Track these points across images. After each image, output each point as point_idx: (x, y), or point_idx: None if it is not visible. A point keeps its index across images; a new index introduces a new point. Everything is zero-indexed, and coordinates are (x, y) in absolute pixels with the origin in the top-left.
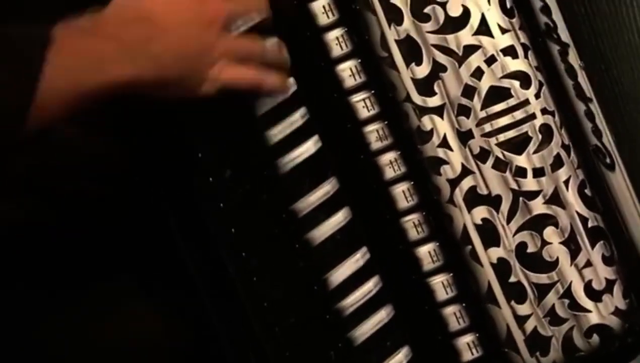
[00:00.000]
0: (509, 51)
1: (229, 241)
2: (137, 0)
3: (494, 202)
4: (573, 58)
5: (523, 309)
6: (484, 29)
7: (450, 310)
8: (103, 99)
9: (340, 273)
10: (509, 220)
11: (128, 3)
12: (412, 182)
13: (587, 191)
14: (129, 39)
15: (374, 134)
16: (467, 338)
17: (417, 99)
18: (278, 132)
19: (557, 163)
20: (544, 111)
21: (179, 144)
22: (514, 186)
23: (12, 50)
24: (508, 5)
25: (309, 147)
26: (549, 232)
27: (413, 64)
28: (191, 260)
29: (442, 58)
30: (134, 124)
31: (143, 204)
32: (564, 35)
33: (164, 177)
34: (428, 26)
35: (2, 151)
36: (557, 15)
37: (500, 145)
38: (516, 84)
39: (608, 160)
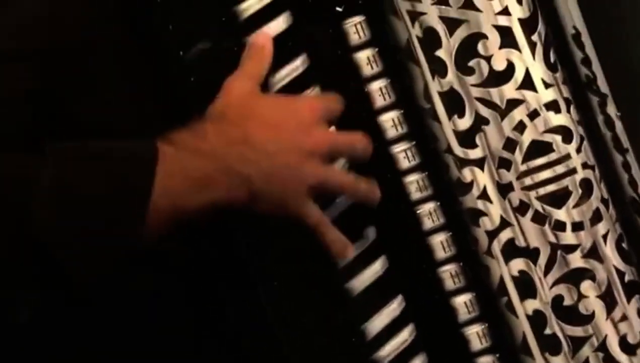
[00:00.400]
0: (552, 106)
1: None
2: (242, 121)
3: (531, 254)
4: (611, 108)
5: (557, 361)
6: (528, 83)
7: (484, 361)
8: (198, 216)
9: (378, 322)
10: (546, 273)
11: (233, 123)
12: (450, 233)
13: (624, 245)
14: (228, 159)
15: (414, 184)
16: None
17: (458, 150)
18: None
19: (596, 217)
20: (585, 165)
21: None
22: (553, 239)
23: (121, 172)
24: (552, 60)
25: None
26: (586, 286)
27: (455, 116)
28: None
29: (484, 111)
30: None
31: None
32: (603, 86)
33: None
34: (472, 79)
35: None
36: (596, 66)
37: (540, 198)
38: (558, 138)
39: None
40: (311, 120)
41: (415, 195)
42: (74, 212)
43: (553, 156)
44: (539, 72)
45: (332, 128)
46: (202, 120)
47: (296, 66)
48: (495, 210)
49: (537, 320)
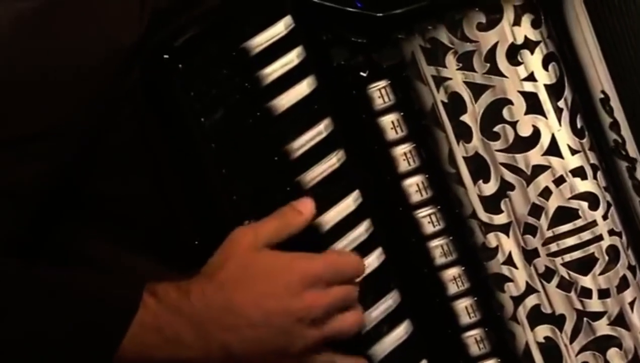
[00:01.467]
0: (578, 172)
1: None
2: (227, 287)
3: (557, 321)
4: None
5: None
6: (554, 149)
7: None
8: None
9: None
10: (572, 340)
11: (218, 288)
12: (475, 298)
13: None
14: (209, 325)
15: (439, 249)
16: None
17: (483, 215)
18: (343, 247)
19: (623, 284)
20: (611, 232)
21: None
22: (579, 306)
23: (95, 315)
24: (579, 126)
25: (372, 261)
26: (612, 353)
27: (480, 181)
28: None
29: (510, 176)
30: None
31: None
32: (632, 149)
33: None
34: (497, 145)
35: None
36: (625, 130)
37: (565, 265)
38: (584, 205)
39: None
40: (303, 283)
41: (440, 260)
42: (35, 344)
43: (579, 222)
44: (565, 138)
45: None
46: (193, 278)
47: (320, 131)
48: (520, 276)
49: None
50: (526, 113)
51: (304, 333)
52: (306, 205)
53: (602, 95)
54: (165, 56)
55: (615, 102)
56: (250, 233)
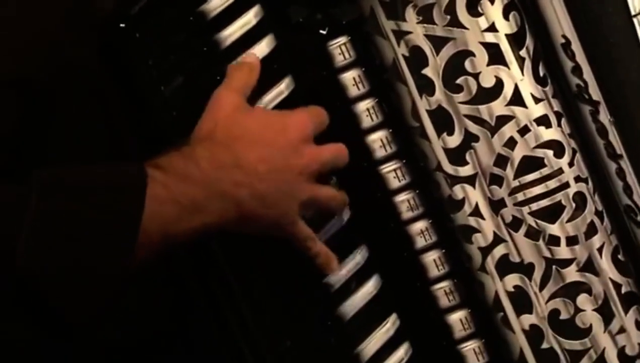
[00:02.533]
0: (543, 121)
1: (262, 324)
2: (231, 142)
3: (526, 269)
4: (603, 115)
5: None
6: (517, 99)
7: None
8: (189, 239)
9: (372, 344)
10: (541, 288)
11: (222, 146)
12: (443, 251)
13: (621, 256)
14: (220, 185)
15: (405, 203)
16: None
17: (449, 168)
18: None
19: (591, 230)
20: (578, 179)
21: None
22: (547, 254)
23: (109, 200)
24: (541, 74)
25: (339, 219)
26: (582, 299)
27: (445, 133)
28: None
29: (474, 128)
30: None
31: None
32: (595, 93)
33: None
34: (460, 97)
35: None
36: (587, 74)
37: (533, 214)
38: (550, 153)
39: (639, 218)
40: (300, 139)
41: (407, 214)
42: (60, 243)
43: (545, 171)
44: (528, 87)
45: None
46: (191, 142)
47: (281, 90)
48: (488, 226)
49: (534, 334)
50: (488, 64)
51: (303, 186)
52: (251, 56)
53: (563, 40)
54: (122, 25)
55: (576, 46)
56: (231, 93)
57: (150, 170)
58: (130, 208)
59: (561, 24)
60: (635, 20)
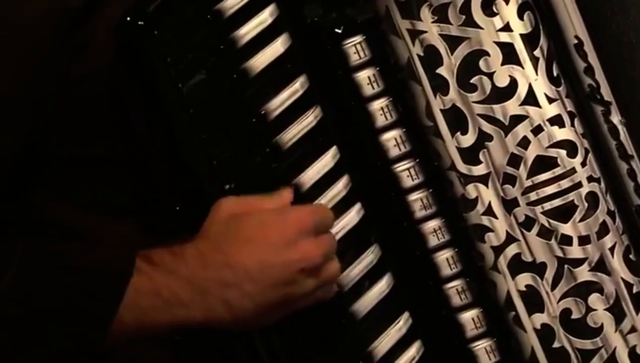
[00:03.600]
0: (556, 120)
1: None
2: (223, 244)
3: (538, 269)
4: (614, 116)
5: None
6: (531, 99)
7: None
8: (170, 331)
9: (385, 342)
10: (553, 287)
11: (213, 246)
12: (455, 250)
13: (632, 256)
14: (206, 283)
15: (418, 202)
16: None
17: (462, 167)
18: (324, 204)
19: (603, 230)
20: (590, 179)
21: None
22: (559, 254)
23: (90, 285)
24: (555, 74)
25: (352, 218)
26: (594, 299)
27: (458, 133)
28: None
29: (487, 127)
30: None
31: None
32: (606, 93)
33: None
34: (474, 96)
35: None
36: (599, 74)
37: (545, 213)
38: (563, 153)
39: None
40: (298, 234)
41: (420, 213)
42: (31, 318)
43: (558, 171)
44: (542, 87)
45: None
46: (186, 242)
47: (296, 89)
48: (500, 225)
49: (545, 334)
50: (503, 63)
51: (303, 283)
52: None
53: (575, 41)
54: (140, 23)
55: (588, 46)
56: (232, 198)
57: (139, 261)
58: (109, 296)
59: (574, 25)
60: None
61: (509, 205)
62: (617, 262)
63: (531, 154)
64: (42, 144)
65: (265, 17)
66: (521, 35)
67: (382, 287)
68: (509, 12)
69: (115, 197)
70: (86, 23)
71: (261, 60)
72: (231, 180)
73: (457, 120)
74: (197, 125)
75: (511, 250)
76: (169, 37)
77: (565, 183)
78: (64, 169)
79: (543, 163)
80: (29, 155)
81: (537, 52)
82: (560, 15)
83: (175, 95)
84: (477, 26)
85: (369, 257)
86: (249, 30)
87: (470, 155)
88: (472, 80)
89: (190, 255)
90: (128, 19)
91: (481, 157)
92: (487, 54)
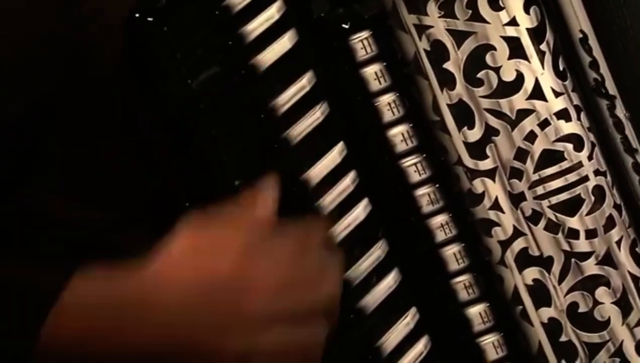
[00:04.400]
0: (563, 114)
1: None
2: (168, 287)
3: (545, 263)
4: (619, 110)
5: None
6: (537, 93)
7: None
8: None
9: (393, 337)
10: (560, 281)
11: (156, 285)
12: (463, 244)
13: (638, 249)
14: (131, 321)
15: (425, 197)
16: None
17: (469, 162)
18: (331, 200)
19: (610, 224)
20: (597, 172)
21: None
22: (566, 247)
23: (19, 299)
24: (561, 68)
25: (359, 213)
26: (601, 292)
27: (465, 127)
28: None
29: (494, 122)
30: None
31: None
32: (611, 88)
33: None
34: (481, 90)
35: None
36: (604, 68)
37: (552, 207)
38: (569, 146)
39: None
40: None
41: (427, 208)
42: None
43: (565, 165)
44: (548, 81)
45: None
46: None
47: (303, 85)
48: (507, 220)
49: (553, 327)
50: (509, 58)
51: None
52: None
53: (580, 35)
54: (150, 19)
55: (593, 41)
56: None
57: (73, 282)
58: (29, 318)
59: (579, 19)
60: None
61: (516, 199)
62: (623, 256)
63: (538, 148)
64: (41, 139)
65: (272, 12)
66: (527, 29)
67: (389, 282)
68: (515, 6)
69: (120, 196)
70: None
71: (269, 56)
72: (240, 176)
73: (463, 114)
74: (207, 121)
75: (518, 244)
76: (177, 33)
77: (572, 177)
78: (65, 166)
79: (550, 157)
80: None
81: (543, 46)
82: (565, 9)
83: (185, 91)
84: (484, 20)
85: (376, 253)
86: (256, 26)
87: (477, 149)
88: (479, 75)
89: (129, 284)
90: (137, 15)
91: (488, 152)
92: (494, 49)
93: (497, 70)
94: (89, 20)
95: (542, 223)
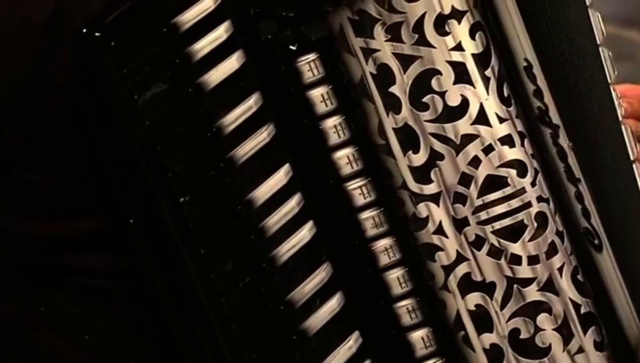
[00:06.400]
0: (506, 140)
1: (230, 338)
2: None
3: (488, 288)
4: (562, 139)
5: None
6: (482, 118)
7: None
8: None
9: (335, 361)
10: (502, 307)
11: None
12: (406, 268)
13: (580, 277)
14: None
15: (370, 220)
16: None
17: (414, 186)
18: (276, 221)
19: (552, 250)
20: (540, 199)
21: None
22: (509, 273)
23: None
24: (505, 94)
25: (304, 235)
26: (542, 319)
27: (410, 151)
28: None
29: (439, 146)
30: None
31: None
32: (555, 117)
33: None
34: (426, 115)
35: None
36: (548, 98)
37: (495, 232)
38: (513, 172)
39: (596, 242)
40: None
41: (371, 231)
42: None
43: (508, 190)
44: (493, 107)
45: None
46: None
47: (250, 106)
48: (451, 245)
49: (494, 353)
50: (454, 83)
51: None
52: None
53: (525, 63)
54: (97, 34)
55: (537, 70)
56: None
57: None
58: None
59: (523, 47)
60: (600, 49)
61: (460, 224)
62: (565, 283)
63: (482, 173)
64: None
65: (220, 33)
66: (473, 55)
67: (333, 305)
68: (461, 31)
69: (73, 213)
70: (52, 48)
71: (216, 75)
72: (185, 193)
73: (409, 138)
74: (152, 137)
75: (461, 269)
76: (125, 49)
77: (515, 203)
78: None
79: (493, 182)
80: None
81: (488, 72)
82: (510, 38)
83: (131, 106)
84: (430, 45)
85: (320, 275)
86: (204, 46)
87: (422, 174)
88: (424, 99)
89: None
90: (84, 30)
91: (432, 176)
92: (439, 73)
93: (442, 94)
94: (53, 52)
95: (485, 248)
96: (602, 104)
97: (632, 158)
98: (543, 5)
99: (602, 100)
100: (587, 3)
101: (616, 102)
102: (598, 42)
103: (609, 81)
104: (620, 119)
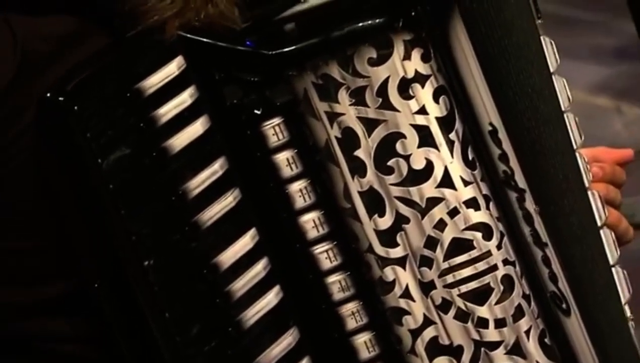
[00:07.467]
0: (471, 203)
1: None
2: None
3: (455, 352)
4: (529, 203)
5: None
6: (447, 181)
7: None
8: None
9: None
10: None
11: None
12: (374, 333)
13: (547, 340)
14: None
15: (337, 284)
16: None
17: (380, 249)
18: (242, 285)
19: (518, 313)
20: (505, 262)
21: None
22: (476, 337)
23: None
24: (470, 157)
25: (270, 299)
26: None
27: (376, 215)
28: None
29: (405, 210)
30: None
31: None
32: (521, 181)
33: None
34: (391, 178)
35: None
36: (514, 162)
37: (462, 296)
38: (478, 235)
39: (564, 306)
40: None
41: (338, 295)
42: None
43: (474, 253)
44: (457, 170)
45: None
46: None
47: (215, 170)
48: (418, 308)
49: None
50: (419, 146)
51: None
52: None
53: (490, 127)
54: (60, 98)
55: (502, 134)
56: None
57: None
58: None
59: (488, 112)
60: (565, 115)
61: (426, 287)
62: (532, 346)
63: (447, 236)
64: None
65: (184, 98)
66: (437, 118)
67: None
68: (425, 95)
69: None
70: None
71: (181, 140)
72: (150, 257)
73: (374, 202)
74: (116, 200)
75: (428, 333)
76: (89, 113)
77: (481, 266)
78: None
79: (459, 245)
80: None
81: (452, 136)
82: (474, 101)
83: (95, 169)
84: (394, 109)
85: (287, 340)
86: (168, 110)
87: (388, 237)
88: (389, 163)
89: None
90: (48, 95)
91: (398, 240)
92: (404, 137)
93: (407, 158)
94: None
95: (452, 311)
96: (567, 170)
97: (599, 224)
98: (508, 71)
99: (567, 166)
100: (552, 70)
101: (582, 168)
102: (563, 109)
103: (575, 147)
104: (587, 185)
